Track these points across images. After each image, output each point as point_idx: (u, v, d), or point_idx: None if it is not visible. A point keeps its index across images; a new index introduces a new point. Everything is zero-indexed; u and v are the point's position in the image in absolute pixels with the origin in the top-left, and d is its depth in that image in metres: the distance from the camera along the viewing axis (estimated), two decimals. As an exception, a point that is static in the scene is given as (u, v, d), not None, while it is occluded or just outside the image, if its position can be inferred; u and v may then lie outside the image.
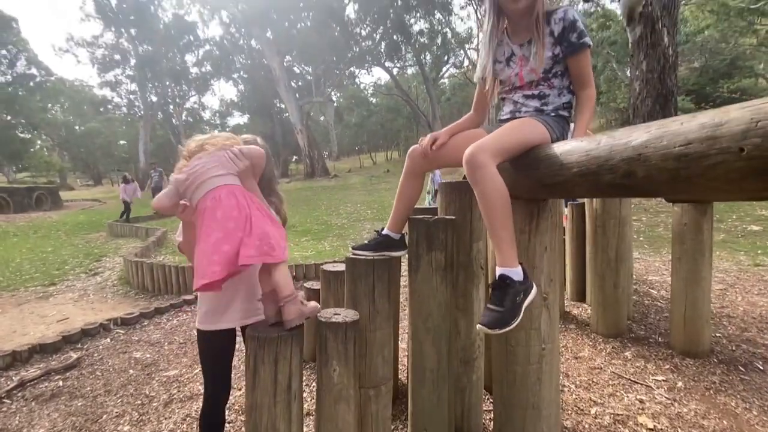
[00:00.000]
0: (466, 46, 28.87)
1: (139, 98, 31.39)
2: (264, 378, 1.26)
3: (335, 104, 33.40)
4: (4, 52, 30.04)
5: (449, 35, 27.02)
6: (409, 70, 33.31)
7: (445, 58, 29.30)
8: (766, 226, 5.85)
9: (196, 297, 4.70)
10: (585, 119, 1.35)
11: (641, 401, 2.12)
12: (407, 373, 1.86)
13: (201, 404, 1.63)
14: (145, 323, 3.81)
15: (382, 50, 26.55)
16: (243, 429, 1.95)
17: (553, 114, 1.38)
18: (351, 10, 25.82)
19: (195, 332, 1.63)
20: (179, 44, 29.98)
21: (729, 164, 0.70)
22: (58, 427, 2.20)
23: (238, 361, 2.53)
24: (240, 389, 2.41)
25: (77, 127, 37.53)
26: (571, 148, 1.11)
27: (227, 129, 41.67)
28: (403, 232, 1.63)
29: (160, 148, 40.23)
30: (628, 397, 2.16)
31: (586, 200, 3.17)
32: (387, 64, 27.69)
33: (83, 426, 2.21)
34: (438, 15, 25.41)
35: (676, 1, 8.57)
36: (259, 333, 1.27)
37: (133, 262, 5.44)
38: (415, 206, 1.67)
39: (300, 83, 29.53)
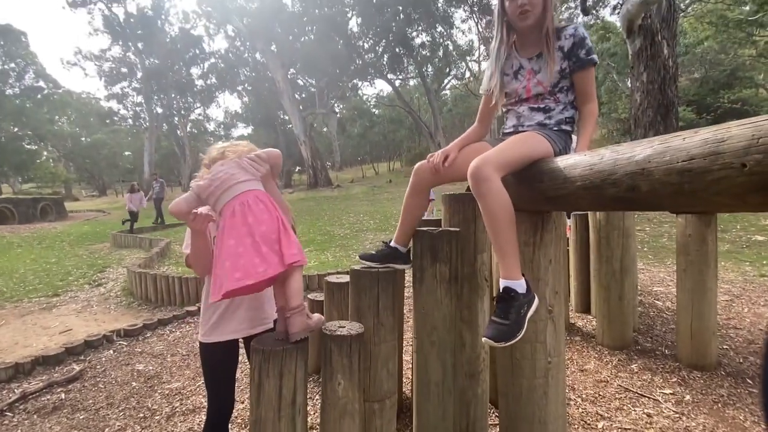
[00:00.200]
0: (468, 58, 29.27)
1: (145, 110, 31.81)
2: (268, 392, 1.25)
3: (338, 115, 33.70)
4: (12, 65, 30.64)
5: (451, 48, 27.36)
6: (411, 82, 33.68)
7: (447, 70, 29.61)
8: (771, 237, 5.81)
9: (199, 308, 4.69)
10: (588, 133, 1.38)
11: (649, 415, 2.08)
12: (412, 386, 1.84)
13: (204, 418, 1.62)
14: (148, 335, 3.80)
15: (385, 63, 26.88)
16: (246, 443, 1.93)
17: (555, 128, 1.40)
18: (354, 24, 26.28)
19: (197, 344, 1.63)
20: (185, 57, 30.47)
21: (732, 179, 0.71)
22: (59, 441, 2.19)
23: (241, 373, 2.51)
24: (243, 402, 2.39)
25: (83, 139, 38.04)
26: (574, 162, 1.12)
27: (231, 140, 42.09)
28: (409, 246, 1.65)
29: (164, 159, 40.62)
30: (635, 410, 2.13)
31: (589, 212, 3.17)
32: (389, 76, 28.00)
33: (85, 439, 2.19)
34: (439, 28, 25.78)
35: (674, 13, 8.69)
36: (264, 346, 1.27)
37: (137, 273, 5.45)
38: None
39: (303, 95, 29.89)
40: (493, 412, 2.08)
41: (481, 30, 25.75)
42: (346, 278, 2.27)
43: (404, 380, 2.39)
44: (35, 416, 2.46)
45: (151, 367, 3.09)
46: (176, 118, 35.41)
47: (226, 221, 1.25)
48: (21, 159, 29.86)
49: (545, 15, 1.35)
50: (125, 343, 3.60)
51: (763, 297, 3.77)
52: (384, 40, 25.36)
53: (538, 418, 1.41)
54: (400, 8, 23.76)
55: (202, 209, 1.37)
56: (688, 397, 2.23)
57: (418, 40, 26.17)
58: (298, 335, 1.27)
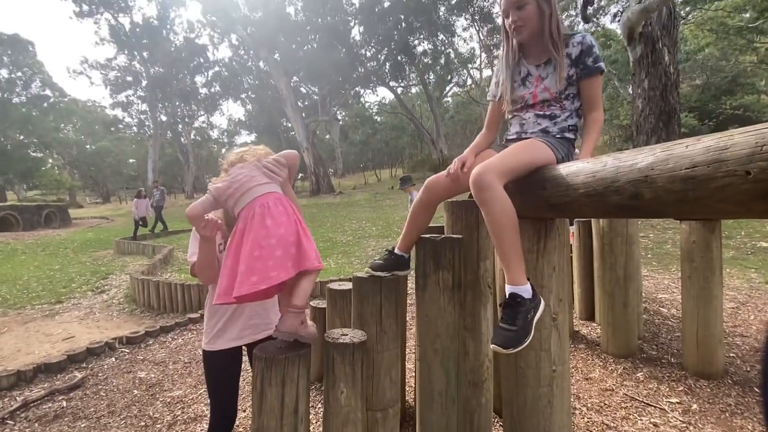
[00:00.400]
0: (469, 65, 29.45)
1: (150, 118, 32.16)
2: (270, 400, 1.25)
3: (341, 123, 33.93)
4: (19, 74, 31.08)
5: (452, 55, 27.58)
6: (413, 89, 33.91)
7: (449, 77, 29.83)
8: (776, 243, 5.76)
9: (202, 316, 4.67)
10: (592, 141, 1.38)
11: (655, 425, 2.05)
12: (415, 395, 1.83)
13: (206, 426, 1.61)
14: (150, 342, 3.79)
15: (387, 70, 27.10)
16: (247, 452, 1.92)
17: (558, 136, 1.40)
18: (356, 33, 26.56)
19: (199, 352, 1.63)
20: (189, 66, 30.86)
21: (736, 187, 0.71)
22: (60, 450, 2.18)
23: (243, 381, 2.50)
24: (245, 411, 2.37)
25: (88, 146, 38.41)
26: (577, 169, 1.12)
27: (234, 147, 42.39)
28: (410, 252, 1.66)
29: (168, 167, 40.93)
30: (641, 420, 2.10)
31: (592, 219, 3.16)
32: (391, 83, 28.21)
33: (86, 448, 2.18)
34: (441, 36, 26.01)
35: (675, 20, 8.74)
36: (266, 353, 1.26)
37: (139, 280, 5.46)
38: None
39: (306, 103, 30.14)
40: (498, 422, 2.06)
41: (482, 38, 25.96)
42: (348, 285, 2.26)
43: (407, 389, 2.37)
44: (36, 424, 2.45)
45: (152, 375, 3.08)
46: (180, 126, 35.77)
47: (245, 223, 1.22)
48: (26, 166, 30.13)
49: (544, 25, 1.36)
50: (127, 351, 3.60)
51: (770, 304, 3.73)
52: (386, 49, 25.60)
53: (543, 427, 1.39)
54: (402, 17, 24.01)
55: (211, 215, 1.37)
56: (695, 406, 2.20)
57: (419, 48, 26.42)
58: (284, 335, 1.24)
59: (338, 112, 31.70)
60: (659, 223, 7.30)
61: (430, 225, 1.85)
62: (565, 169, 1.18)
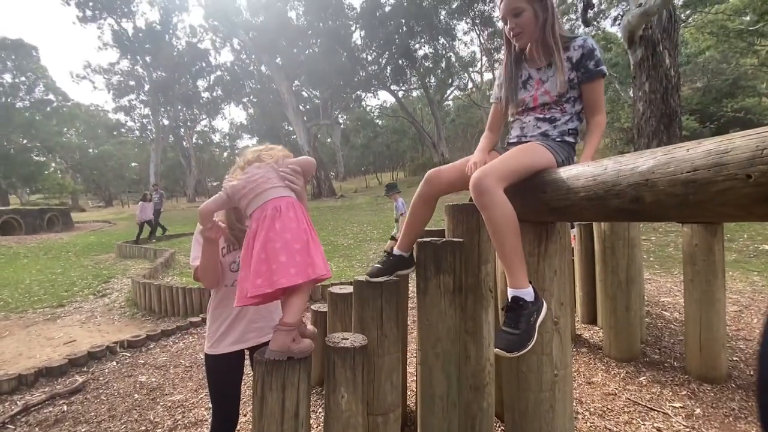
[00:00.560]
0: (470, 69, 29.56)
1: (152, 122, 32.31)
2: (271, 404, 1.24)
3: (342, 126, 34.03)
4: (23, 78, 31.32)
5: (453, 59, 27.68)
6: (414, 93, 34.00)
7: (450, 81, 29.91)
8: (779, 246, 5.74)
9: (203, 319, 4.67)
10: (593, 144, 1.38)
11: (659, 430, 2.04)
12: (416, 399, 1.82)
13: (207, 431, 1.60)
14: (152, 346, 3.79)
15: (388, 74, 27.21)
16: (248, 457, 1.91)
17: (558, 139, 1.41)
18: (357, 37, 26.70)
19: (201, 356, 1.62)
20: (192, 70, 31.04)
21: (737, 190, 0.70)
22: (61, 454, 2.17)
23: (243, 385, 2.49)
24: (246, 415, 2.37)
25: (91, 150, 38.61)
26: (577, 173, 1.12)
27: (236, 151, 42.56)
28: (411, 250, 1.63)
29: (170, 170, 41.10)
30: (644, 425, 2.09)
31: (594, 222, 3.15)
32: (392, 87, 28.31)
33: (86, 453, 2.17)
34: (442, 40, 26.12)
35: (675, 24, 8.75)
36: (267, 358, 1.26)
37: (141, 284, 5.46)
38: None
39: (308, 106, 30.25)
40: (499, 426, 2.04)
41: (483, 42, 26.05)
42: (349, 289, 2.26)
43: (408, 393, 2.36)
44: (37, 429, 2.44)
45: (153, 379, 3.08)
46: (182, 130, 35.93)
47: (257, 225, 1.22)
48: (29, 170, 30.31)
49: (543, 30, 1.37)
50: (128, 355, 3.59)
51: (773, 308, 3.70)
52: (387, 52, 25.71)
53: (545, 432, 1.38)
54: (403, 21, 24.13)
55: (215, 218, 1.37)
56: (698, 410, 2.18)
57: (420, 52, 26.53)
58: (273, 354, 1.20)
59: (339, 116, 31.79)
60: (661, 226, 7.28)
61: (431, 228, 1.84)
62: (566, 172, 1.18)
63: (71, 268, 8.77)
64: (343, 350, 1.36)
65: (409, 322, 2.67)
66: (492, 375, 1.76)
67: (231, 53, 30.88)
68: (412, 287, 1.84)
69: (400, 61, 26.03)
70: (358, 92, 29.17)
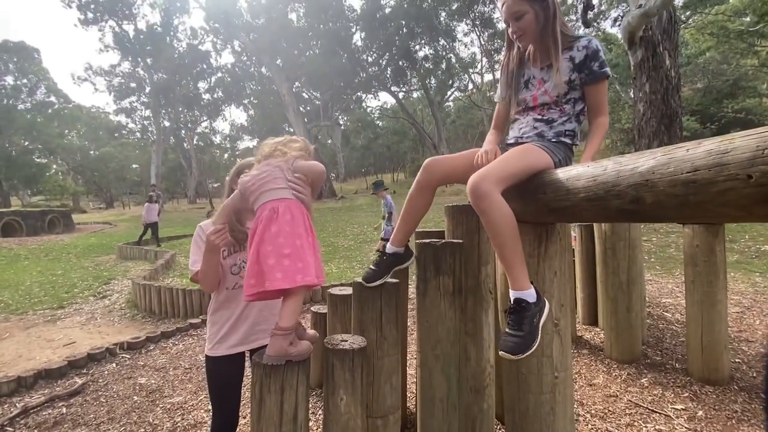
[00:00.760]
0: (470, 70, 29.58)
1: (153, 124, 32.40)
2: (269, 407, 1.23)
3: (342, 128, 34.08)
4: (25, 80, 31.42)
5: (453, 60, 27.71)
6: (415, 94, 34.05)
7: (450, 82, 29.95)
8: (781, 247, 5.72)
9: (203, 321, 4.66)
10: (595, 145, 1.37)
11: (661, 432, 2.03)
12: (416, 401, 1.81)
13: (206, 433, 1.60)
14: (151, 347, 3.78)
15: (388, 75, 27.25)
16: (247, 460, 1.90)
17: (554, 140, 1.40)
18: (358, 38, 26.75)
19: (201, 357, 1.62)
20: (192, 72, 31.12)
21: (738, 191, 0.70)
22: (59, 457, 2.16)
23: (243, 387, 2.48)
24: (245, 417, 2.36)
25: (92, 152, 38.70)
26: (577, 174, 1.12)
27: (237, 153, 42.62)
28: (406, 243, 1.56)
29: (171, 172, 41.15)
30: (646, 427, 2.07)
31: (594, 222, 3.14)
32: (393, 88, 28.35)
33: (85, 455, 2.16)
34: (442, 41, 26.16)
35: (675, 24, 8.75)
36: (265, 363, 1.25)
37: (141, 285, 5.46)
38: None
39: (308, 108, 30.31)
40: (500, 428, 2.03)
41: (483, 43, 26.08)
42: (349, 290, 2.25)
43: (408, 395, 2.35)
44: (36, 431, 2.44)
45: (153, 381, 3.07)
46: (183, 132, 36.01)
47: (257, 224, 1.23)
48: (31, 172, 30.37)
49: (545, 31, 1.36)
50: (128, 356, 3.59)
51: (775, 309, 3.69)
52: (387, 54, 25.75)
53: (546, 435, 1.37)
54: (403, 22, 24.17)
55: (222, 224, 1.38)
56: (700, 412, 2.16)
57: (421, 54, 26.57)
58: (271, 359, 1.20)
59: (340, 117, 31.86)
60: (662, 227, 7.26)
61: (431, 230, 1.84)
62: (566, 173, 1.17)
63: (72, 270, 8.77)
64: (342, 352, 1.35)
65: (409, 324, 2.66)
66: (492, 377, 1.75)
67: (232, 55, 31.06)
68: (412, 289, 1.83)
69: (400, 63, 26.08)
70: (359, 93, 29.23)
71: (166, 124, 32.70)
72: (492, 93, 27.59)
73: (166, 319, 4.96)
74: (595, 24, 19.70)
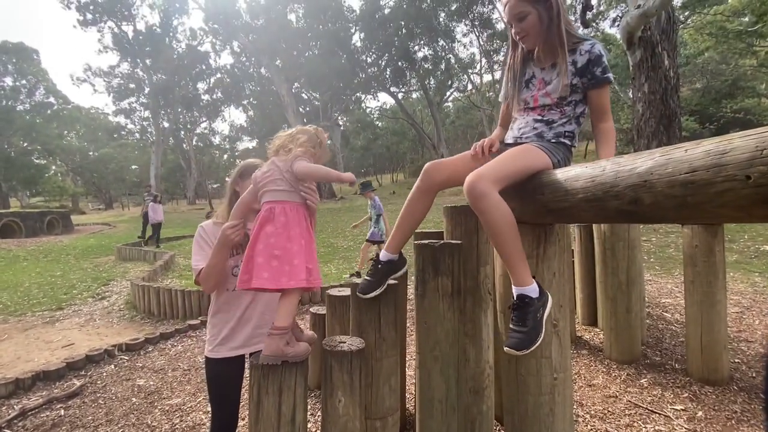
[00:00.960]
0: (469, 71, 29.59)
1: (152, 124, 32.37)
2: (267, 409, 1.23)
3: (342, 128, 34.05)
4: (24, 81, 31.38)
5: (452, 61, 27.73)
6: (414, 95, 34.06)
7: (449, 82, 29.97)
8: (780, 247, 5.72)
9: (202, 322, 4.64)
10: (608, 154, 1.33)
11: (660, 433, 2.02)
12: (415, 402, 1.80)
13: (204, 436, 1.59)
14: (150, 349, 3.77)
15: (388, 76, 27.27)
16: (246, 462, 1.89)
17: (553, 140, 1.39)
18: (357, 39, 26.77)
19: (199, 359, 1.62)
20: (192, 73, 31.11)
21: (736, 191, 0.69)
22: (57, 459, 2.15)
23: (243, 389, 2.48)
24: (244, 419, 2.35)
25: (91, 153, 38.65)
26: (575, 174, 1.11)
27: (236, 153, 42.60)
28: (400, 250, 1.53)
29: (171, 173, 41.13)
30: (646, 428, 2.07)
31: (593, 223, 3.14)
32: (392, 89, 28.37)
33: (83, 457, 2.15)
34: (441, 42, 26.18)
35: (674, 25, 8.76)
36: (262, 363, 1.25)
37: (140, 286, 5.45)
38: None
39: (308, 108, 30.30)
40: (499, 430, 2.03)
41: (482, 43, 26.10)
42: (348, 291, 2.25)
43: (407, 396, 2.35)
44: (34, 433, 2.43)
45: (151, 383, 3.06)
46: (182, 132, 36.00)
47: (256, 222, 1.26)
48: (30, 173, 30.31)
49: (551, 30, 1.35)
50: (126, 358, 3.58)
51: (775, 309, 3.69)
52: (387, 54, 25.78)
53: (545, 436, 1.36)
54: (403, 23, 24.19)
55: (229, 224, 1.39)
56: (700, 413, 2.16)
57: (420, 54, 26.61)
58: (266, 359, 1.21)
59: (339, 118, 31.84)
60: (662, 227, 7.26)
61: (429, 230, 1.83)
62: (564, 174, 1.17)
63: (70, 271, 8.76)
64: (340, 354, 1.35)
65: (408, 325, 2.66)
66: (491, 378, 1.75)
67: (231, 56, 31.01)
68: (411, 290, 1.82)
69: (399, 63, 26.10)
70: (358, 94, 29.25)
71: (166, 125, 32.69)
72: (491, 93, 27.62)
73: (165, 320, 4.95)
74: (593, 24, 19.72)
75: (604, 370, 2.71)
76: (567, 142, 1.41)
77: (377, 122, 40.25)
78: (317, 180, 1.34)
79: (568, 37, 1.35)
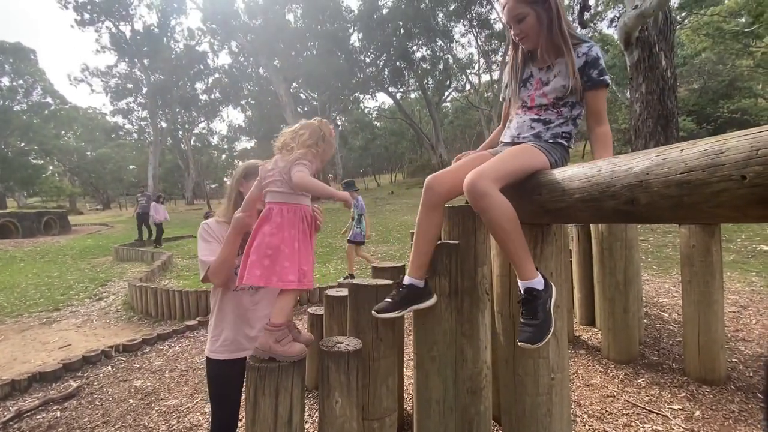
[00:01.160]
0: (468, 71, 29.62)
1: (150, 125, 32.26)
2: (264, 410, 1.22)
3: (340, 128, 34.04)
4: (21, 81, 31.23)
5: (451, 61, 27.75)
6: (412, 95, 34.07)
7: (447, 82, 29.97)
8: (777, 246, 5.74)
9: (200, 323, 4.61)
10: (609, 156, 1.33)
11: (658, 432, 2.02)
12: (412, 403, 1.80)
13: (201, 437, 1.58)
14: (147, 350, 3.76)
15: (386, 76, 27.27)
16: (243, 463, 1.88)
17: (551, 141, 1.39)
18: (355, 39, 26.76)
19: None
20: (190, 73, 31.03)
21: (732, 191, 0.69)
22: (53, 461, 2.14)
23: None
24: (242, 420, 2.34)
25: (89, 153, 38.50)
26: (572, 174, 1.11)
27: (234, 153, 42.51)
28: (427, 277, 1.47)
29: (169, 173, 41.02)
30: (643, 427, 2.07)
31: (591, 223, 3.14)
32: (390, 89, 28.36)
33: (79, 459, 2.14)
34: (439, 42, 26.20)
35: (671, 25, 8.78)
36: (259, 363, 1.24)
37: (137, 287, 5.43)
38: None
39: (306, 108, 30.27)
40: (497, 430, 2.03)
41: (480, 44, 26.13)
42: (346, 291, 2.24)
43: (405, 397, 2.34)
44: (30, 435, 2.42)
45: (148, 384, 3.05)
46: (180, 132, 35.91)
47: (257, 219, 1.31)
48: (27, 174, 30.16)
49: (551, 30, 1.34)
50: (123, 359, 3.56)
51: (772, 308, 3.70)
52: (385, 54, 25.78)
53: (542, 436, 1.36)
54: (401, 23, 24.20)
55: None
56: (697, 413, 2.17)
57: (418, 54, 26.62)
58: (258, 352, 1.25)
59: (338, 118, 31.81)
60: (659, 227, 7.28)
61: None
62: (561, 174, 1.17)
63: (68, 272, 8.72)
64: (337, 354, 1.34)
65: (405, 325, 2.65)
66: (489, 378, 1.75)
67: (229, 56, 30.85)
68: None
69: (397, 63, 26.11)
70: (356, 94, 29.24)
71: (163, 125, 32.59)
72: (489, 94, 27.66)
73: (163, 321, 4.93)
74: (591, 25, 19.77)
75: (602, 369, 2.72)
76: (564, 142, 1.41)
77: (375, 122, 40.23)
78: (311, 194, 1.34)
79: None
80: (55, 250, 12.08)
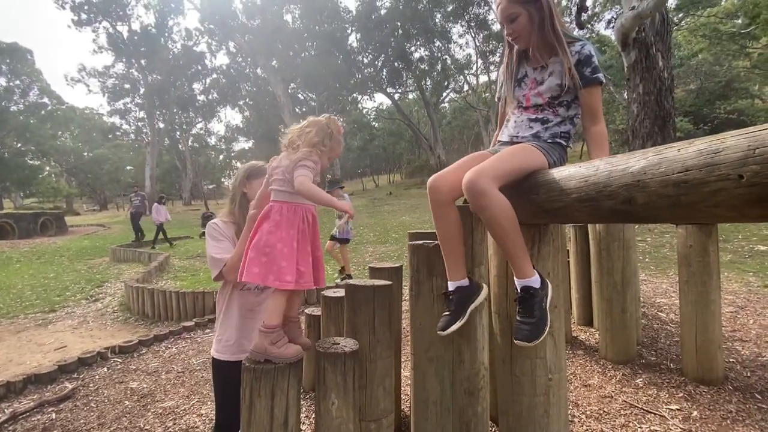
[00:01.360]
0: (466, 71, 29.64)
1: (147, 125, 32.16)
2: (260, 412, 1.21)
3: (338, 129, 33.98)
4: (18, 82, 31.09)
5: (449, 62, 27.78)
6: (411, 95, 34.07)
7: (445, 83, 29.98)
8: (773, 246, 5.76)
9: (197, 324, 4.58)
10: (604, 156, 1.33)
11: (655, 433, 2.02)
12: (410, 404, 1.79)
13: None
14: (143, 351, 3.73)
15: (384, 77, 27.26)
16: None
17: (549, 140, 1.39)
18: (353, 39, 26.76)
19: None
20: (187, 73, 30.95)
21: (729, 191, 0.69)
22: (48, 464, 2.12)
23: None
24: (237, 421, 2.33)
25: (86, 154, 38.37)
26: (569, 174, 1.11)
27: (232, 154, 42.43)
28: (470, 273, 1.43)
29: (166, 174, 40.89)
30: (641, 428, 2.07)
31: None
32: (388, 89, 28.35)
33: (74, 462, 2.12)
34: (437, 43, 26.23)
35: (668, 26, 8.82)
36: (255, 364, 1.23)
37: (134, 288, 5.40)
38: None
39: (304, 109, 30.22)
40: (494, 431, 2.02)
41: (478, 44, 26.18)
42: (343, 292, 2.23)
43: (403, 398, 2.33)
44: (24, 437, 2.40)
45: (145, 385, 3.03)
46: (178, 133, 35.82)
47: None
48: (24, 174, 30.01)
49: (543, 29, 1.34)
50: (120, 360, 3.54)
51: (768, 308, 3.71)
52: (383, 55, 25.78)
53: (540, 437, 1.36)
54: (399, 24, 24.22)
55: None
56: (695, 413, 2.16)
57: (416, 55, 26.63)
58: (252, 354, 1.25)
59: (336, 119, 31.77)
60: (656, 227, 7.30)
61: (422, 231, 1.82)
62: (558, 173, 1.17)
63: (64, 273, 8.67)
64: (333, 355, 1.34)
65: (403, 326, 2.64)
66: (486, 379, 1.74)
67: (227, 56, 30.82)
68: (406, 291, 1.81)
69: (395, 64, 26.11)
70: (354, 95, 29.23)
71: (161, 125, 32.49)
72: (487, 94, 27.70)
73: (159, 322, 4.91)
74: (588, 26, 19.84)
75: (600, 370, 2.71)
76: (563, 142, 1.41)
77: (374, 123, 40.21)
78: (310, 200, 1.32)
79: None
80: (52, 251, 12.02)
